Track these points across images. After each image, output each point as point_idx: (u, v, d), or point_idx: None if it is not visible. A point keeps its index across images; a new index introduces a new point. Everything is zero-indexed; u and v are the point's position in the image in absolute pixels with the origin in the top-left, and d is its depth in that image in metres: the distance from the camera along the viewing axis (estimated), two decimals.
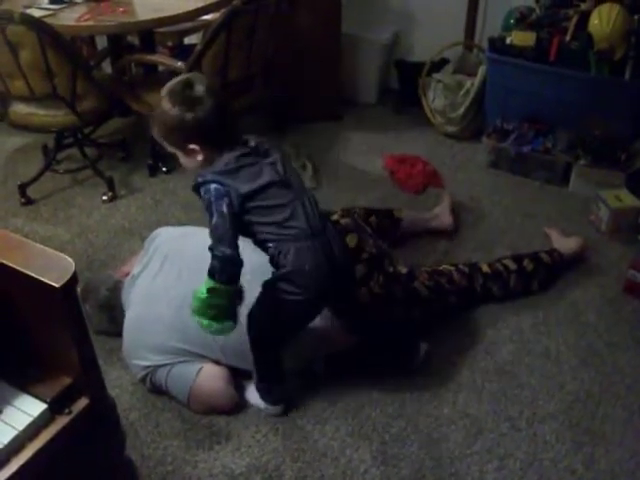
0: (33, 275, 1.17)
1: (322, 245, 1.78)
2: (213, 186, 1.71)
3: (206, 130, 1.75)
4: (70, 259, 1.21)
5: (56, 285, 1.15)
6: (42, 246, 1.25)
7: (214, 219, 1.69)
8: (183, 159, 1.83)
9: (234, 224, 1.70)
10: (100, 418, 1.35)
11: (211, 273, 1.69)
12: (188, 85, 1.76)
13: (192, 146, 1.77)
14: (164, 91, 1.79)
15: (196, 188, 1.75)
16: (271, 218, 1.75)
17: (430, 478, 1.86)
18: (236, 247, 1.70)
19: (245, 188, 1.72)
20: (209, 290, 1.68)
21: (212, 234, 1.70)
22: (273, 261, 1.80)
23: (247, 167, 1.76)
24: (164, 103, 1.76)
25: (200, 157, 1.78)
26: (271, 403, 2.02)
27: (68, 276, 1.17)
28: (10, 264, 1.20)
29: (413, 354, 2.12)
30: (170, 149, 1.83)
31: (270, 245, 1.78)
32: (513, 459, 1.91)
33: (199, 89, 1.75)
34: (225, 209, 1.69)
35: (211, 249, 1.69)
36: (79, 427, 1.30)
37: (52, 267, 1.19)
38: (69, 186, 3.24)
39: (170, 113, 1.75)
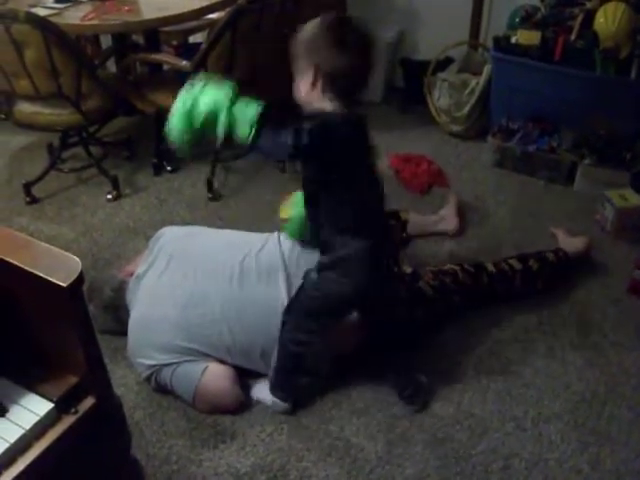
0: (40, 275, 1.17)
1: (376, 245, 1.80)
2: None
3: (347, 77, 1.71)
4: (77, 258, 1.21)
5: (63, 285, 1.15)
6: (48, 245, 1.25)
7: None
8: (303, 84, 1.77)
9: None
10: (106, 417, 1.35)
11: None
12: (363, 28, 1.75)
13: (320, 80, 1.72)
14: (335, 15, 1.74)
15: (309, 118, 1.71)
16: (348, 196, 1.76)
17: (435, 478, 1.86)
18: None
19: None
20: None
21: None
22: (326, 245, 1.82)
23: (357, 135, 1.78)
24: (330, 31, 1.71)
25: (315, 92, 1.74)
26: (282, 399, 2.02)
27: (75, 276, 1.17)
28: (17, 263, 1.20)
29: (417, 391, 2.09)
30: (299, 66, 1.77)
31: (332, 226, 1.79)
32: (518, 459, 1.90)
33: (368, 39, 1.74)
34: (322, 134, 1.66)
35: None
36: (85, 426, 1.30)
37: (59, 267, 1.19)
38: (74, 185, 3.24)
39: (333, 49, 1.69)
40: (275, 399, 2.02)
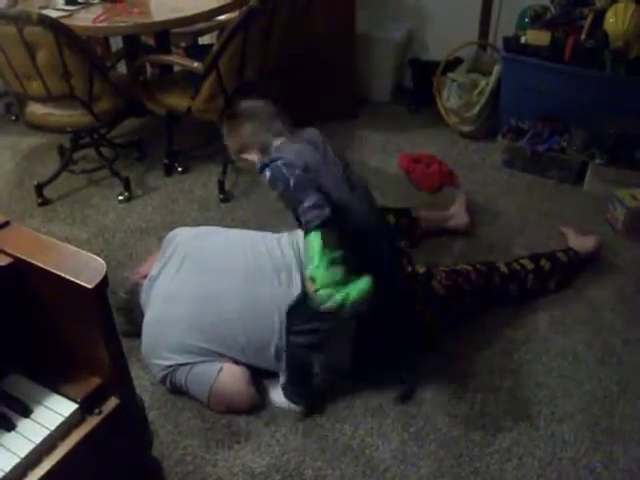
0: (66, 276, 1.18)
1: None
2: None
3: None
4: (101, 260, 1.22)
5: (89, 286, 1.17)
6: (73, 247, 1.26)
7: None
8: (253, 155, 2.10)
9: None
10: (129, 418, 1.36)
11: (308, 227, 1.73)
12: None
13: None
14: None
15: None
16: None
17: (450, 477, 1.86)
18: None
19: None
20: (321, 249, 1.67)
21: None
22: None
23: None
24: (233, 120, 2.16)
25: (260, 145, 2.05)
26: (296, 403, 2.03)
27: (100, 277, 1.19)
28: (42, 265, 1.22)
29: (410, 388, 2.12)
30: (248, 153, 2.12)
31: None
32: (532, 458, 1.91)
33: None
34: None
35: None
36: (109, 427, 1.32)
37: (84, 268, 1.20)
38: (85, 186, 3.26)
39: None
40: (290, 404, 2.03)
